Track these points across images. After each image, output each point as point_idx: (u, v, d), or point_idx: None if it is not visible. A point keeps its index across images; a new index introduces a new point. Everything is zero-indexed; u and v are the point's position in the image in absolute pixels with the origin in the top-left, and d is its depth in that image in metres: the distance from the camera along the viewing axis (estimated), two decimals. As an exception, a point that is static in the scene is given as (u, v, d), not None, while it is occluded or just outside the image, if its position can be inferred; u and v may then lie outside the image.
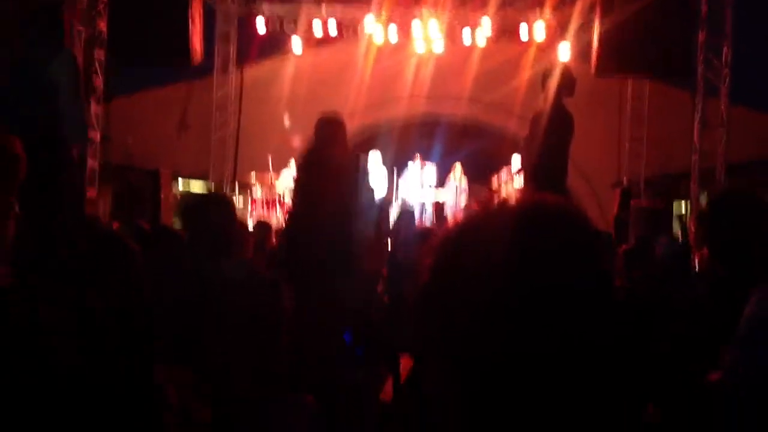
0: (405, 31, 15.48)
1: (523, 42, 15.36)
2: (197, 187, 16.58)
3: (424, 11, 15.14)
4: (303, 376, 4.02)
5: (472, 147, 16.83)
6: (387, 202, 11.90)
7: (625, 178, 15.15)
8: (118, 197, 11.85)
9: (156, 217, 11.10)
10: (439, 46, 15.65)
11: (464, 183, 14.97)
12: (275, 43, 16.28)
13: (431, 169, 15.18)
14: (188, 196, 14.23)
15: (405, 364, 6.25)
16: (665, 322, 3.50)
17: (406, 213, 9.88)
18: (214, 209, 3.66)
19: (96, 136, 11.06)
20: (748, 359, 2.40)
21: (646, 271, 4.81)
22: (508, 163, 13.07)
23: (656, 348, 3.30)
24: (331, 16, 15.27)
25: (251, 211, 13.99)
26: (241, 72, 16.13)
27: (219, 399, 2.57)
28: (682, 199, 14.02)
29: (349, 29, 15.55)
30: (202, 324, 3.14)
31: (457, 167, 15.02)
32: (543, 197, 1.11)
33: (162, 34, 12.02)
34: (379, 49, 16.14)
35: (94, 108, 11.04)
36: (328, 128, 5.56)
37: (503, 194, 11.93)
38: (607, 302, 1.04)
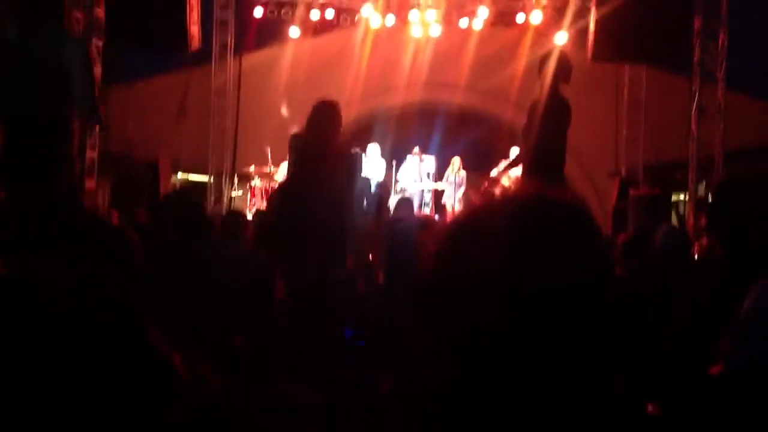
0: (402, 19, 15.51)
1: (520, 26, 15.37)
2: (196, 178, 16.61)
3: (422, 0, 15.14)
4: (300, 367, 4.04)
5: (469, 136, 16.82)
6: (386, 191, 11.92)
7: (623, 168, 15.12)
8: (116, 188, 11.83)
9: (155, 208, 11.07)
10: (436, 30, 15.67)
11: (462, 176, 14.90)
12: (273, 31, 16.25)
13: (430, 160, 15.18)
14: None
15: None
16: (665, 312, 3.51)
17: (404, 200, 9.91)
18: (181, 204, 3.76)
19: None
20: (747, 354, 2.41)
21: (645, 261, 4.81)
22: (505, 152, 13.04)
23: (656, 339, 3.31)
24: (329, 5, 15.25)
25: (251, 200, 13.99)
26: (240, 60, 16.09)
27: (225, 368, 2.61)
28: (680, 190, 14.00)
29: (347, 19, 15.54)
30: (202, 304, 3.19)
31: (455, 161, 14.96)
32: (544, 188, 1.12)
33: (159, 20, 11.97)
34: (377, 37, 16.14)
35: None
36: (324, 113, 5.71)
37: (502, 184, 11.90)
38: (606, 293, 1.05)
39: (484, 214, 1.13)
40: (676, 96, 13.93)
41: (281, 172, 13.75)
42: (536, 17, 15.00)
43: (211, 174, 15.98)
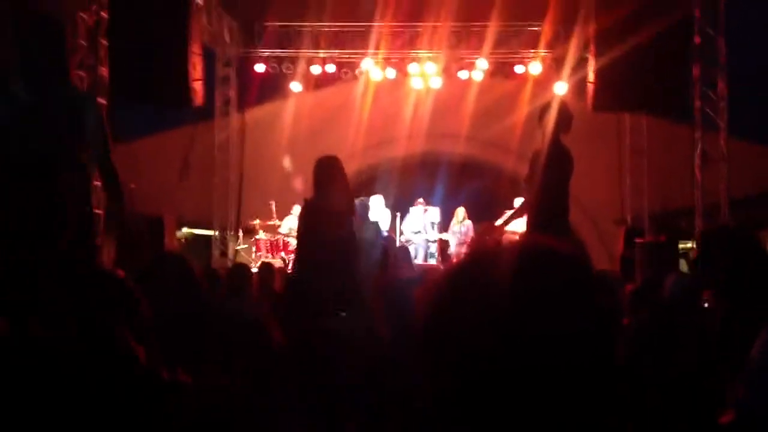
0: (403, 72, 15.73)
1: (519, 77, 15.51)
2: (201, 232, 16.67)
3: (421, 54, 15.32)
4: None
5: (472, 186, 16.85)
6: (391, 240, 11.91)
7: (628, 216, 15.08)
8: (121, 246, 11.83)
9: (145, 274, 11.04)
10: (436, 82, 15.84)
11: (468, 225, 14.86)
12: (275, 85, 16.40)
13: (434, 211, 15.18)
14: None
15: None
16: (672, 360, 3.47)
17: (401, 250, 9.91)
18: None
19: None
20: (757, 403, 2.38)
21: (653, 310, 4.78)
22: (508, 201, 13.03)
23: (665, 387, 3.27)
24: (330, 59, 15.43)
25: (256, 253, 14.00)
26: (243, 115, 16.23)
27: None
28: (686, 239, 13.93)
29: (348, 72, 15.70)
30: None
31: (460, 211, 14.96)
32: (544, 238, 1.11)
33: (163, 77, 12.10)
34: (377, 89, 16.30)
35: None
36: (327, 170, 5.82)
37: (504, 233, 11.87)
38: (607, 342, 1.05)
39: (483, 262, 1.12)
40: (677, 143, 13.94)
41: (285, 225, 13.78)
42: (535, 68, 15.20)
43: (216, 228, 16.02)
